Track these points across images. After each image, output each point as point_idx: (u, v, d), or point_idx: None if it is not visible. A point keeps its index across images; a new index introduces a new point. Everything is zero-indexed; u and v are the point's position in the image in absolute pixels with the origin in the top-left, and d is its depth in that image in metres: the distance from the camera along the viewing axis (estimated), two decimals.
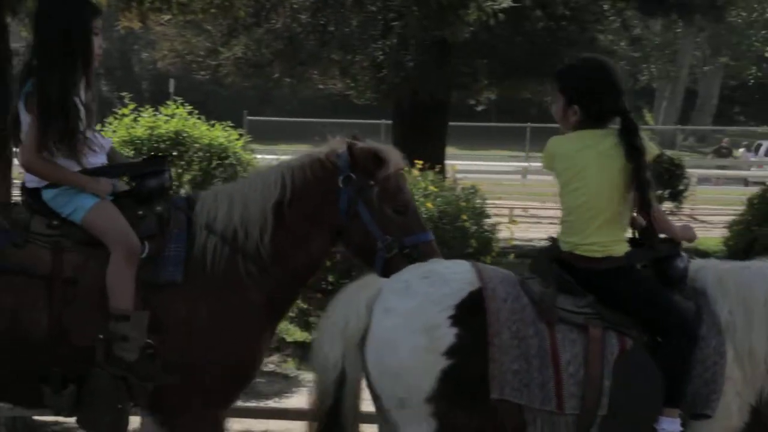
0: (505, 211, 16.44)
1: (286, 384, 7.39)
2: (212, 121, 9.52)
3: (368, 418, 3.69)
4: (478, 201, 8.52)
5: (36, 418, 5.80)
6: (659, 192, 14.80)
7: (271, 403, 6.80)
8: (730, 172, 27.22)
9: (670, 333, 3.56)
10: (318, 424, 3.64)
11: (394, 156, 3.86)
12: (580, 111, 3.67)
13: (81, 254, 3.66)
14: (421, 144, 13.07)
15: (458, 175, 9.90)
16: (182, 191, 8.05)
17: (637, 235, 3.79)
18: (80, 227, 3.68)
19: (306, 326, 8.15)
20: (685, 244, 3.84)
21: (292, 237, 3.78)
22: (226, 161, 9.11)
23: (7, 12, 7.24)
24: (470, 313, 3.50)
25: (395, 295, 3.56)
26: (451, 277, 3.58)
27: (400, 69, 14.59)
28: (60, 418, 5.79)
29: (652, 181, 3.62)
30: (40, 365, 3.63)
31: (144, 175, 3.79)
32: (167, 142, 9.03)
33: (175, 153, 8.95)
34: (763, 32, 38.58)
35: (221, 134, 9.34)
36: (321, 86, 18.69)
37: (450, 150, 17.90)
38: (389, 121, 16.26)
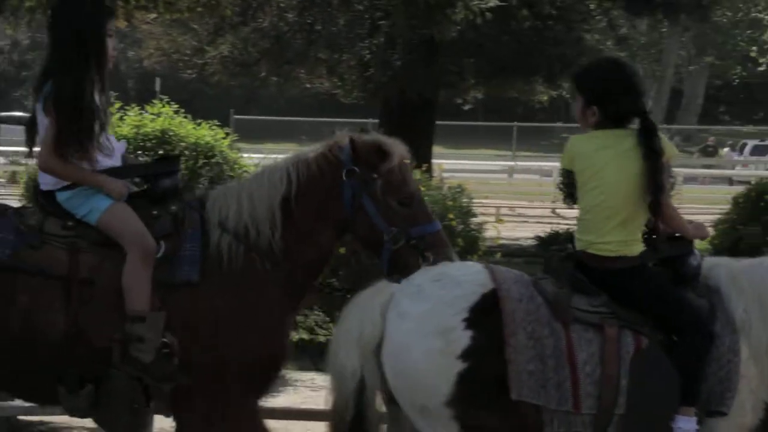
0: (492, 210, 16.46)
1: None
2: (198, 120, 9.49)
3: None
4: (464, 200, 8.53)
5: (21, 417, 5.77)
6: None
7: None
8: (716, 171, 27.37)
9: (684, 331, 3.56)
10: None
11: (398, 148, 3.87)
12: (599, 112, 3.68)
13: (97, 255, 3.68)
14: (407, 143, 13.03)
15: (445, 174, 9.93)
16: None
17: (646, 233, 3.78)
18: (95, 228, 3.71)
19: (293, 326, 8.14)
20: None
21: (301, 231, 3.80)
22: (213, 160, 9.08)
23: None
24: (484, 314, 3.50)
25: (408, 299, 3.55)
26: (463, 279, 3.57)
27: (387, 68, 14.60)
28: (45, 418, 5.78)
29: (666, 184, 3.63)
30: (57, 365, 3.64)
31: (157, 176, 3.82)
32: (153, 141, 8.99)
33: (161, 152, 8.91)
34: (748, 32, 38.77)
35: (207, 133, 9.31)
36: (308, 85, 18.68)
37: (437, 149, 17.91)
38: (376, 120, 16.26)
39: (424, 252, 3.76)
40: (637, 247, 3.67)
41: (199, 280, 3.68)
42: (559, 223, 16.44)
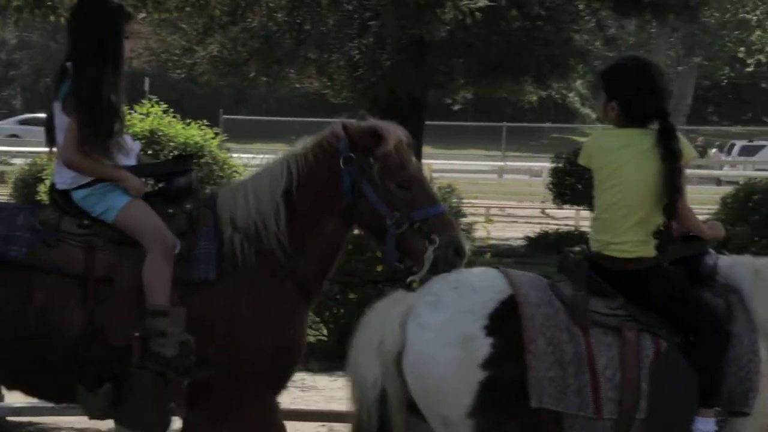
0: (482, 210, 16.49)
1: None
2: (187, 120, 9.48)
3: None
4: (454, 200, 8.55)
5: (10, 419, 5.75)
6: None
7: None
8: (704, 171, 27.47)
9: (700, 331, 3.54)
10: None
11: (394, 131, 3.83)
12: (618, 107, 3.67)
13: (113, 253, 3.70)
14: None
15: (435, 174, 9.93)
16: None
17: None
18: (111, 226, 3.72)
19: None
20: None
21: (306, 223, 3.81)
22: (202, 160, 9.07)
23: None
24: (503, 321, 3.48)
25: (427, 308, 3.54)
26: (481, 286, 3.56)
27: (376, 68, 14.60)
28: (33, 419, 5.76)
29: (682, 186, 3.62)
30: (74, 363, 3.65)
31: (171, 174, 3.84)
32: (142, 141, 8.93)
33: (150, 152, 8.89)
34: (736, 33, 38.91)
35: (197, 133, 9.30)
36: (297, 85, 18.66)
37: (426, 149, 17.92)
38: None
39: (430, 235, 3.72)
40: (652, 248, 3.63)
41: (216, 278, 3.70)
42: (548, 224, 16.47)
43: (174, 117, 9.39)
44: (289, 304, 3.77)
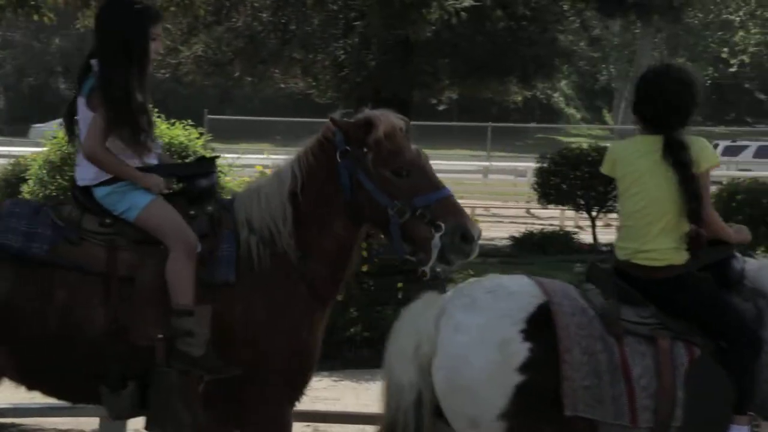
0: (467, 211, 16.48)
1: None
2: (172, 120, 9.45)
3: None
4: None
5: None
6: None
7: None
8: None
9: (730, 336, 3.54)
10: None
11: (386, 119, 3.75)
12: (636, 114, 3.73)
13: (135, 252, 3.67)
14: None
15: None
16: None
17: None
18: (133, 226, 3.70)
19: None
20: None
21: (313, 223, 3.79)
22: (187, 160, 9.05)
23: None
24: (539, 327, 3.48)
25: (462, 311, 3.53)
26: (516, 290, 3.56)
27: (361, 68, 14.62)
28: (17, 420, 5.72)
29: (702, 192, 3.62)
30: (96, 363, 3.62)
31: (194, 176, 3.83)
32: None
33: None
34: (720, 33, 39.15)
35: (181, 133, 9.27)
36: (282, 85, 18.65)
37: None
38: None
39: (435, 221, 3.64)
40: (682, 255, 3.62)
41: (235, 280, 3.69)
42: (533, 223, 16.50)
43: (159, 117, 9.35)
44: (301, 306, 3.75)
